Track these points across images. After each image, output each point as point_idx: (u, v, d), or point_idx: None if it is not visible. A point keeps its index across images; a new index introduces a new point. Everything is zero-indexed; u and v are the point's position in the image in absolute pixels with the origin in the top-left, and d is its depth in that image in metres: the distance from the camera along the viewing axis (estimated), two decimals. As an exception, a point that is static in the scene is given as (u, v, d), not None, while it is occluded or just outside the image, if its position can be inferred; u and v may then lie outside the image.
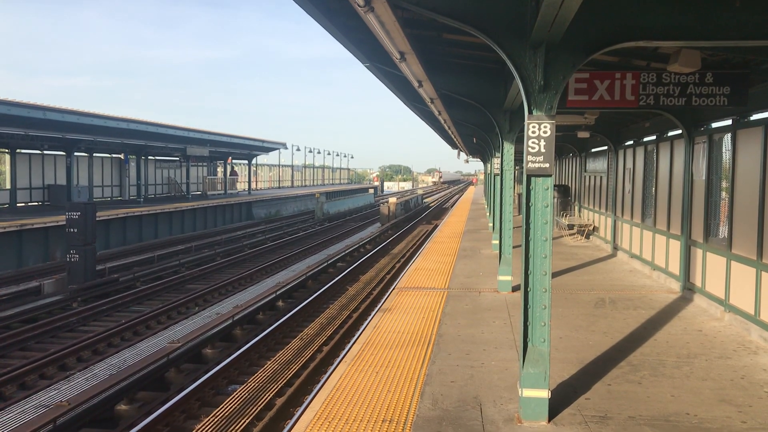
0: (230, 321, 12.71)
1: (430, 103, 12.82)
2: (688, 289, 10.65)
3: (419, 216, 41.85)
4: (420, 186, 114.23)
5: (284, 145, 53.88)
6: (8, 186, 28.98)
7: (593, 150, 19.49)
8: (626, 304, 10.30)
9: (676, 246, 11.26)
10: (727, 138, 9.28)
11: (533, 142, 5.37)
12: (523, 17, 5.32)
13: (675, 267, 11.33)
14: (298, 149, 68.34)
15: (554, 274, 12.46)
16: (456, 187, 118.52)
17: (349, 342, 10.70)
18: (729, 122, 9.34)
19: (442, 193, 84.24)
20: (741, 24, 5.21)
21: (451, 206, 46.49)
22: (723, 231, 9.46)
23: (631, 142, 14.79)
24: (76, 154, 31.20)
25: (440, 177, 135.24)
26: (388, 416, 5.64)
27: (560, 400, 5.96)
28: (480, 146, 27.33)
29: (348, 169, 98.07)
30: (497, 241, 12.62)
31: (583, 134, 15.34)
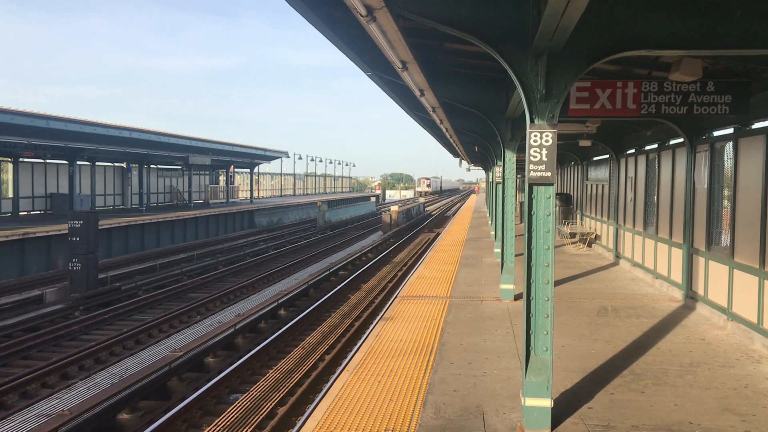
0: (232, 330, 12.70)
1: (431, 112, 12.87)
2: (691, 297, 10.63)
3: (421, 224, 41.85)
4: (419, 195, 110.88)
5: (286, 154, 54.03)
6: (11, 195, 29.08)
7: (595, 158, 19.50)
8: (629, 312, 10.27)
9: (678, 254, 11.24)
10: (729, 146, 9.29)
11: (535, 151, 5.39)
12: (524, 26, 5.35)
13: (677, 275, 11.31)
14: (300, 158, 68.55)
15: (556, 283, 12.44)
16: (457, 195, 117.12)
17: (351, 351, 10.69)
18: (731, 131, 9.35)
19: (443, 202, 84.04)
20: (742, 33, 5.23)
21: (453, 215, 46.49)
22: (725, 239, 9.45)
23: (632, 151, 14.80)
24: (78, 162, 31.33)
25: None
26: (390, 425, 5.62)
27: (563, 409, 5.94)
28: (482, 154, 27.35)
29: (350, 178, 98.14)
30: (499, 250, 12.62)
31: (585, 143, 15.36)
